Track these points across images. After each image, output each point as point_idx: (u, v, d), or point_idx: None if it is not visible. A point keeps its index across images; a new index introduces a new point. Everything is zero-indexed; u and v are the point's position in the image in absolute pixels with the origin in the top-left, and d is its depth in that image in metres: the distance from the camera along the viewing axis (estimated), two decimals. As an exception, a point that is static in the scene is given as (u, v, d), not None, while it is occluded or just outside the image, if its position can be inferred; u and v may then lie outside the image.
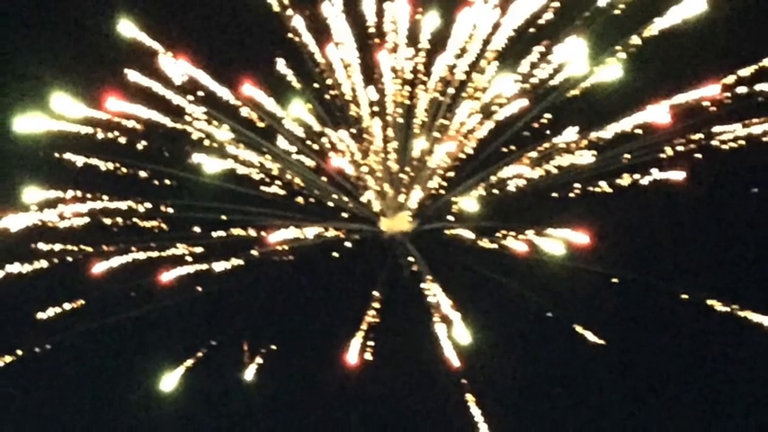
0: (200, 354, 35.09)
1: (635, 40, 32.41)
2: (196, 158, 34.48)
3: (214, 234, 35.03)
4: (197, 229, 34.89)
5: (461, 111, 34.46)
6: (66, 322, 34.78)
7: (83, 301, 34.75)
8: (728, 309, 33.03)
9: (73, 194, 34.50)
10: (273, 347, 35.13)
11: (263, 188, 35.17)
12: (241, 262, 35.06)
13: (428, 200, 35.71)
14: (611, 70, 32.67)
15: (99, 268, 34.37)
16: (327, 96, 34.73)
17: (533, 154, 34.29)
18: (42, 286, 34.45)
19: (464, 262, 35.05)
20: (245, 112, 34.53)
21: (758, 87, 32.38)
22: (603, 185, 33.84)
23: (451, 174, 35.32)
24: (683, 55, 32.46)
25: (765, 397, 33.59)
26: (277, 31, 33.93)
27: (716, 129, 32.90)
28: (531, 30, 33.32)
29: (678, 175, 33.13)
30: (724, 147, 32.98)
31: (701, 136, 33.03)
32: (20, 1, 34.77)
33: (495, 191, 34.80)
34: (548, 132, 34.08)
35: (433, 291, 34.82)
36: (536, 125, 34.11)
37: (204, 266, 34.94)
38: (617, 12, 32.48)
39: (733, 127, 32.85)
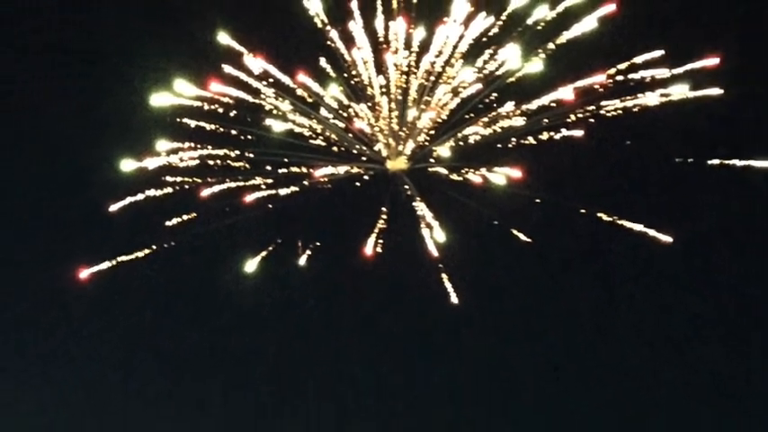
0: (270, 248, 39.70)
1: (551, 45, 37.75)
2: (268, 122, 39.08)
3: (280, 171, 39.44)
4: (268, 168, 39.38)
5: (439, 91, 38.97)
6: (184, 228, 39.63)
7: (195, 214, 39.52)
8: (611, 218, 38.47)
9: (188, 145, 39.12)
10: (318, 243, 39.75)
11: (311, 141, 39.52)
12: (297, 189, 39.52)
13: (418, 149, 39.91)
14: (536, 65, 37.80)
15: (205, 193, 39.30)
16: (352, 82, 39.11)
17: (485, 119, 38.89)
18: (169, 204, 39.37)
19: (441, 189, 39.62)
20: (299, 92, 39.15)
21: (630, 76, 37.95)
22: (530, 140, 38.67)
23: (433, 132, 39.76)
24: (582, 55, 37.73)
25: (634, 275, 39.81)
26: (320, 40, 38.73)
27: (603, 103, 38.22)
28: (484, 39, 38.28)
29: (578, 133, 38.33)
30: (608, 115, 38.29)
31: (594, 108, 38.25)
32: (153, 20, 39.22)
33: (461, 143, 39.31)
34: (494, 105, 38.74)
35: (421, 207, 39.65)
36: (487, 101, 38.77)
37: (273, 192, 39.42)
38: (539, 27, 37.79)
39: (614, 102, 38.16)
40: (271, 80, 38.93)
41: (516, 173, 38.44)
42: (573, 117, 38.30)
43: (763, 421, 38.87)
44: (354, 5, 38.27)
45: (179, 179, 39.41)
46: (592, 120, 38.26)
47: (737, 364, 38.88)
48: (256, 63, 38.72)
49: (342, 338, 40.19)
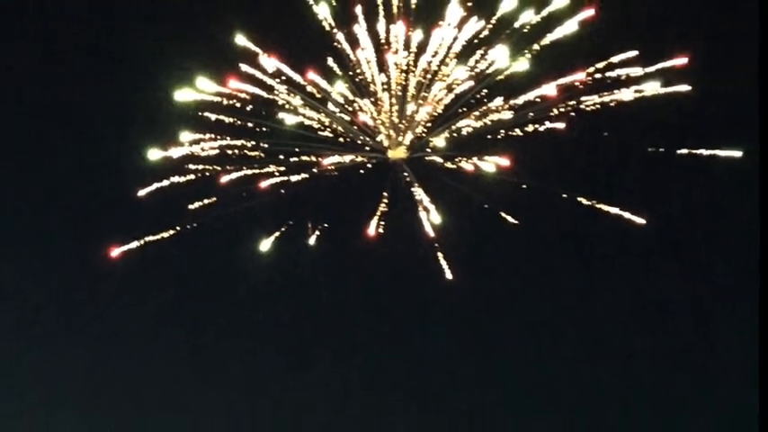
0: (283, 229, 40.76)
1: (536, 46, 38.84)
2: (280, 115, 40.30)
3: (291, 159, 40.59)
4: (281, 157, 40.60)
5: (435, 88, 40.13)
6: (205, 211, 40.83)
7: (215, 199, 40.67)
8: (590, 202, 39.78)
9: (209, 136, 40.32)
10: (325, 225, 40.87)
11: (319, 133, 40.62)
12: (307, 176, 40.65)
13: (416, 140, 40.97)
14: (522, 64, 39.00)
15: (224, 179, 40.50)
16: (357, 79, 40.33)
17: (477, 113, 40.06)
18: (192, 189, 40.44)
19: (437, 176, 40.85)
20: (309, 88, 40.38)
21: (607, 74, 39.30)
22: (517, 131, 39.79)
23: (429, 124, 40.95)
24: (564, 55, 38.93)
25: (610, 252, 41.21)
26: (328, 41, 40.08)
27: (583, 98, 39.43)
28: (476, 41, 39.43)
29: (560, 126, 39.51)
30: (587, 109, 39.53)
31: (574, 102, 39.45)
32: (176, 24, 40.23)
33: (455, 134, 40.49)
34: (485, 100, 39.90)
35: (418, 192, 40.92)
36: (478, 96, 39.93)
37: (285, 178, 40.52)
38: (525, 30, 38.97)
39: (593, 97, 39.41)
40: (283, 78, 40.42)
41: (504, 161, 39.87)
42: (555, 111, 39.69)
43: (730, 396, 40.28)
44: (359, 10, 39.69)
45: (201, 167, 40.78)
46: (573, 113, 39.72)
47: (703, 331, 40.81)
48: (270, 62, 40.16)
49: (347, 311, 41.84)
